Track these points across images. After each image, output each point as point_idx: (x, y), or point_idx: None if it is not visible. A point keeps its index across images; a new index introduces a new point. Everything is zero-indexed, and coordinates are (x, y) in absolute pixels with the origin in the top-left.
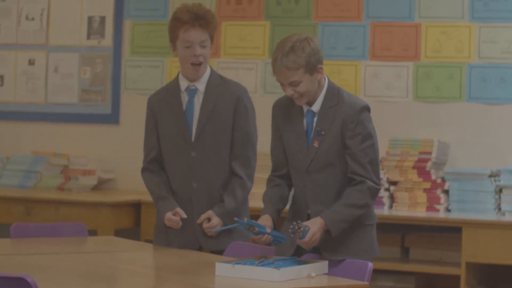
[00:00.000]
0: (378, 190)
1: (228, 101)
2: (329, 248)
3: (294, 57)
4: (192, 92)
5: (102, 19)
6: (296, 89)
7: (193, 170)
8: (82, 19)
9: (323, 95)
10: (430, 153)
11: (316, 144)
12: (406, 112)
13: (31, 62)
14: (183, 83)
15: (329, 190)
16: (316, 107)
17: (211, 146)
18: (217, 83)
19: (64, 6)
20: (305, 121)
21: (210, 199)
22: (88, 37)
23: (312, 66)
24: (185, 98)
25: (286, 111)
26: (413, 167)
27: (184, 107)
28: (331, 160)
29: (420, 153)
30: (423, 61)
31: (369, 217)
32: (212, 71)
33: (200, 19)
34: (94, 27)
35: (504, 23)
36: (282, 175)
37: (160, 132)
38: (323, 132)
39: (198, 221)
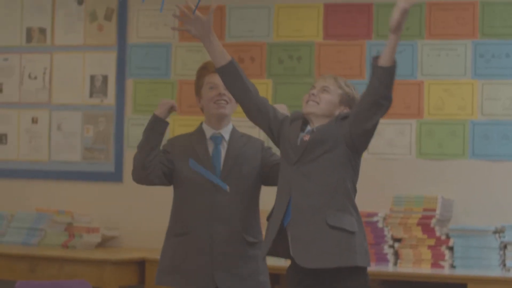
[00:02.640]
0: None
1: (253, 148)
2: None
3: (347, 83)
4: (217, 139)
5: (105, 78)
6: (321, 94)
7: (216, 212)
8: (84, 77)
9: (328, 121)
10: (434, 210)
11: (306, 138)
12: (409, 169)
13: (34, 121)
14: (208, 131)
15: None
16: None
17: (236, 189)
18: (240, 134)
19: (66, 65)
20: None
21: (231, 243)
22: (91, 96)
23: (345, 99)
24: (210, 144)
25: (295, 121)
26: (417, 224)
27: (210, 152)
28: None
29: (424, 210)
30: (426, 118)
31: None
32: (234, 127)
33: None
34: (97, 86)
35: (506, 80)
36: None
37: (181, 175)
38: (314, 129)
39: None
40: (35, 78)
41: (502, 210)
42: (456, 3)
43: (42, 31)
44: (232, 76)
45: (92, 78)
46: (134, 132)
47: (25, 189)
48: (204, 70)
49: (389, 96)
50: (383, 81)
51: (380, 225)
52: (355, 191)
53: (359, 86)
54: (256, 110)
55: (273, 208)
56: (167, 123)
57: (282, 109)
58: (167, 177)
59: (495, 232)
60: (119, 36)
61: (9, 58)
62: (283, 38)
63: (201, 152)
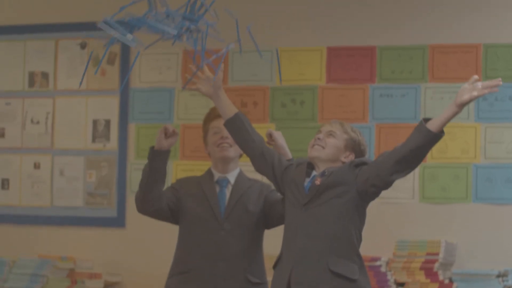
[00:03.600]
0: None
1: (258, 189)
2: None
3: (353, 128)
4: (223, 182)
5: (107, 123)
6: (327, 138)
7: (219, 250)
8: (87, 122)
9: (340, 165)
10: (437, 254)
11: (318, 182)
12: (412, 213)
13: (36, 166)
14: (215, 175)
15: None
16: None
17: (239, 228)
18: (246, 178)
19: (68, 109)
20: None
21: (234, 282)
22: (93, 141)
23: (351, 145)
24: (217, 187)
25: (300, 166)
26: (421, 268)
27: (216, 192)
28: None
29: (427, 254)
30: (429, 162)
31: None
32: (241, 171)
33: None
34: (99, 131)
35: (510, 123)
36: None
37: (187, 212)
38: (326, 172)
39: None
40: (38, 122)
41: (505, 254)
42: (459, 46)
43: (45, 75)
44: (238, 128)
45: (95, 122)
46: (137, 177)
47: (27, 235)
48: (209, 116)
49: (421, 159)
50: (424, 143)
51: (383, 269)
52: (360, 239)
53: (362, 130)
54: (261, 160)
55: (280, 256)
56: (166, 152)
57: (279, 136)
58: (173, 213)
59: (498, 276)
60: (121, 80)
61: (11, 102)
62: (286, 82)
63: (208, 191)
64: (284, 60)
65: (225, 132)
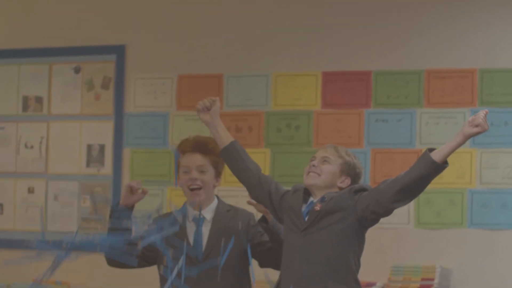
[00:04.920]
0: None
1: (239, 223)
2: None
3: (347, 152)
4: (200, 221)
5: (102, 147)
6: (322, 165)
7: None
8: (81, 147)
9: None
10: (432, 279)
11: (317, 208)
12: (407, 239)
13: (30, 191)
14: (190, 212)
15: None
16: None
17: (222, 267)
18: (226, 209)
19: (63, 134)
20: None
21: None
22: (88, 165)
23: (346, 169)
24: (192, 227)
25: (297, 192)
26: None
27: (191, 238)
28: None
29: (423, 279)
30: None
31: None
32: (219, 200)
33: (201, 146)
34: (94, 155)
35: (505, 148)
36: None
37: (164, 260)
38: (326, 197)
39: None
40: (32, 147)
41: (501, 279)
42: (455, 71)
43: (39, 99)
44: (233, 157)
45: (89, 147)
46: None
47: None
48: (179, 151)
49: (423, 188)
50: (428, 173)
51: None
52: (358, 265)
53: (357, 155)
54: (257, 189)
55: (279, 280)
56: (127, 210)
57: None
58: (150, 262)
59: None
60: (116, 105)
61: (5, 127)
62: (281, 107)
63: (182, 237)
64: (280, 84)
65: (194, 173)
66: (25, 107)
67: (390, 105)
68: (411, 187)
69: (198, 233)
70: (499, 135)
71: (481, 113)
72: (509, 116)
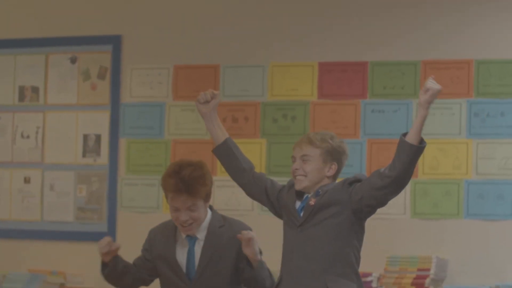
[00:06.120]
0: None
1: (231, 244)
2: None
3: (321, 137)
4: (192, 240)
5: (98, 137)
6: (304, 165)
7: None
8: (77, 137)
9: (333, 183)
10: (428, 269)
11: (312, 202)
12: (403, 229)
13: (26, 180)
14: (182, 234)
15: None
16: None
17: (212, 286)
18: (219, 224)
19: (59, 124)
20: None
21: None
22: (84, 155)
23: (328, 157)
24: (185, 245)
25: (291, 188)
26: (412, 284)
27: (185, 256)
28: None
29: (419, 270)
30: (420, 178)
31: None
32: (213, 214)
33: (188, 187)
34: (90, 145)
35: (501, 139)
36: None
37: (158, 270)
38: (320, 191)
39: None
40: (28, 137)
41: (497, 269)
42: (451, 62)
43: (35, 90)
44: (226, 155)
45: (85, 137)
46: (127, 192)
47: (18, 250)
48: (165, 183)
49: (411, 174)
50: (411, 159)
51: (374, 285)
52: (359, 257)
53: (353, 146)
54: (252, 187)
55: (280, 278)
56: (111, 267)
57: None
58: (153, 276)
59: None
60: (112, 95)
61: (1, 117)
62: (277, 97)
63: (173, 257)
64: (276, 75)
65: (183, 215)
66: (21, 97)
67: (387, 96)
68: (400, 177)
69: (190, 253)
70: (496, 126)
71: (429, 79)
72: (505, 107)
